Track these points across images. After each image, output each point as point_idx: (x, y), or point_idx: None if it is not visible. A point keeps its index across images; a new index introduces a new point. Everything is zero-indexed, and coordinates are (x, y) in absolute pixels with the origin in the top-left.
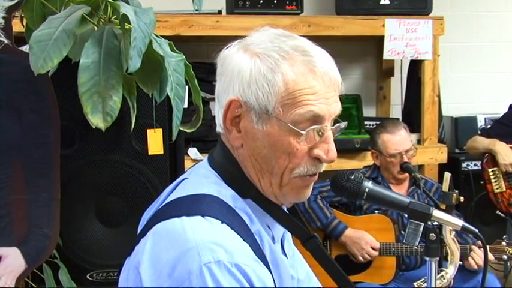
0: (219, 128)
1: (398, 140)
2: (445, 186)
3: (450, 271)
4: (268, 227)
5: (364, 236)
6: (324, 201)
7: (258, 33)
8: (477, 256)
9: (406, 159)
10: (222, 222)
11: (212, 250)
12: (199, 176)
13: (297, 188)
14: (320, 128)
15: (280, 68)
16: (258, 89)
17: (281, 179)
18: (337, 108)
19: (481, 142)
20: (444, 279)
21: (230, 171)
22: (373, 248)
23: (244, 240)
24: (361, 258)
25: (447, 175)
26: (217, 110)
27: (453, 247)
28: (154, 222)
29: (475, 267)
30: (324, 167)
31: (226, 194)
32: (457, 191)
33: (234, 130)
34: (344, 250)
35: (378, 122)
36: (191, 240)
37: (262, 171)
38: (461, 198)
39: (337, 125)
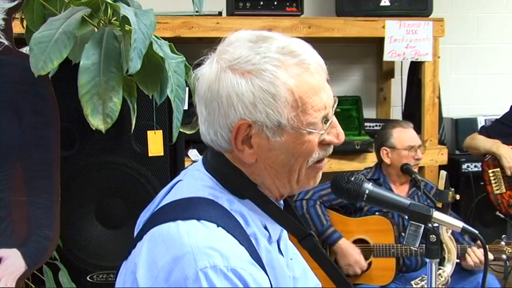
0: (217, 147)
1: (412, 134)
2: (441, 184)
3: (447, 269)
4: (265, 228)
5: (355, 254)
6: (322, 207)
7: (234, 48)
8: (473, 254)
9: (419, 154)
10: (218, 226)
11: (208, 255)
12: (193, 179)
13: (312, 177)
14: (330, 120)
15: (279, 79)
16: (265, 106)
17: (298, 173)
18: (331, 93)
19: (483, 143)
20: (442, 277)
21: (226, 172)
22: (360, 268)
23: (240, 243)
24: (350, 272)
25: (443, 173)
26: (211, 131)
27: (450, 245)
28: (150, 226)
29: (472, 264)
30: (332, 148)
31: (222, 196)
32: (452, 189)
33: (246, 148)
34: None
35: (378, 124)
36: (187, 245)
37: (278, 174)
38: (457, 196)
39: (334, 106)
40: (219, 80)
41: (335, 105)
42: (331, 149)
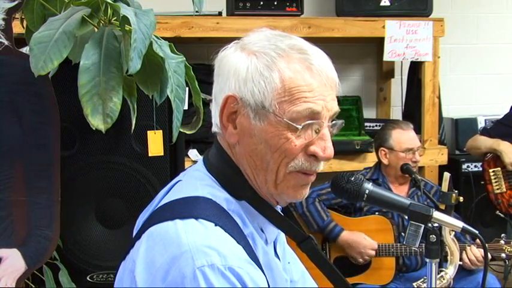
0: (215, 128)
1: (412, 136)
2: (444, 186)
3: (450, 271)
4: (262, 230)
5: (361, 239)
6: (322, 204)
7: (255, 33)
8: (469, 251)
9: (417, 157)
10: (216, 225)
11: (205, 254)
12: (193, 179)
13: (292, 186)
14: (317, 125)
15: (276, 66)
16: (254, 86)
17: (276, 175)
18: (334, 105)
19: (484, 142)
20: (444, 279)
21: (225, 172)
22: (372, 249)
23: (238, 242)
24: (361, 260)
25: (446, 175)
26: (214, 110)
27: (453, 247)
28: (149, 225)
29: (468, 262)
30: (321, 166)
31: (220, 196)
32: (456, 191)
33: (230, 126)
34: (343, 252)
35: (378, 124)
36: (184, 244)
37: (257, 168)
38: (461, 198)
39: (333, 122)
40: (228, 57)
41: (337, 127)
42: (317, 165)
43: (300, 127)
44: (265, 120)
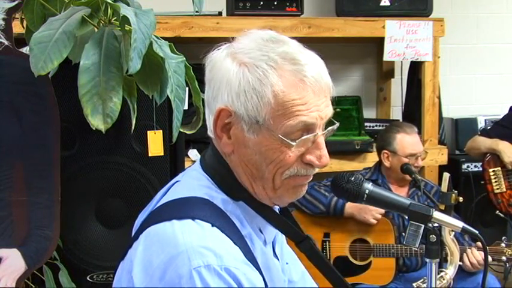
0: (209, 133)
1: (416, 141)
2: (444, 187)
3: (450, 272)
4: (260, 231)
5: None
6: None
7: (246, 38)
8: (470, 254)
9: (420, 162)
10: (213, 226)
11: (202, 254)
12: (190, 179)
13: (292, 187)
14: (312, 136)
15: (269, 80)
16: (247, 100)
17: (273, 182)
18: (328, 112)
19: (483, 142)
20: (444, 279)
21: (221, 174)
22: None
23: (234, 243)
24: (373, 221)
25: (446, 175)
26: (208, 115)
27: (453, 248)
28: (146, 225)
29: (469, 265)
30: (316, 170)
31: (217, 197)
32: (456, 191)
33: (225, 136)
34: (343, 251)
35: (378, 124)
36: (181, 244)
37: (253, 176)
38: (461, 199)
39: (329, 128)
40: (220, 63)
41: (332, 131)
42: (312, 171)
43: (294, 144)
44: (259, 133)
